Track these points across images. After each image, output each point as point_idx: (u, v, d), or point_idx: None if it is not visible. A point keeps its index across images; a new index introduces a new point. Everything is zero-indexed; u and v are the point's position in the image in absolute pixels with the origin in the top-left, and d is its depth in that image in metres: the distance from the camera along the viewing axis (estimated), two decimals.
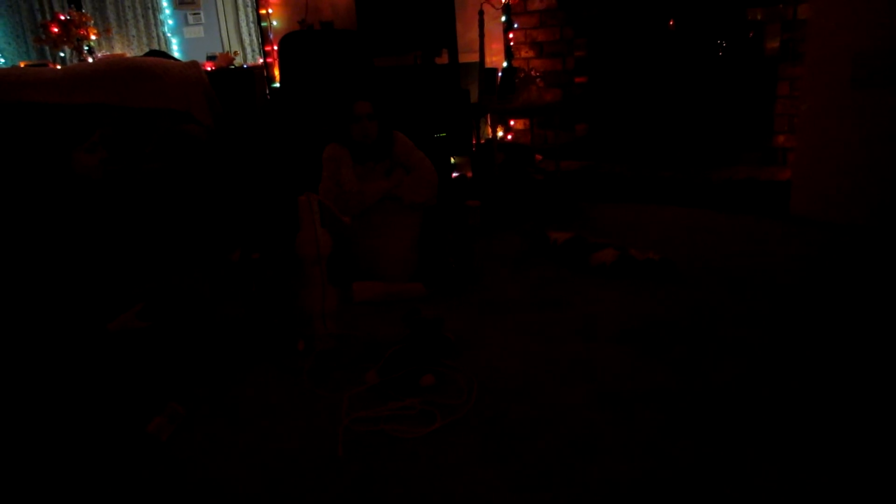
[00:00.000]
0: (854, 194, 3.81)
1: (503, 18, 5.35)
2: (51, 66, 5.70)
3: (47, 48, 6.55)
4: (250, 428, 2.06)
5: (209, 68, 5.10)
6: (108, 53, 6.80)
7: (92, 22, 6.50)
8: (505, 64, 5.40)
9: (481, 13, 4.87)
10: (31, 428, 1.96)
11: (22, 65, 5.92)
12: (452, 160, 4.85)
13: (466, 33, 5.10)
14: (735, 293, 2.93)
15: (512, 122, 5.52)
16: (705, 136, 5.00)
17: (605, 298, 2.95)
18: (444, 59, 4.99)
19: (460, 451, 1.89)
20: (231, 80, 4.91)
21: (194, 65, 4.67)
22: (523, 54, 5.53)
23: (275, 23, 5.49)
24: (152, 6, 7.24)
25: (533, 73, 5.48)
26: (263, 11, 5.47)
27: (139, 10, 7.22)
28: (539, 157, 5.01)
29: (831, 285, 2.98)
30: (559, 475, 1.76)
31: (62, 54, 6.39)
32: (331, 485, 1.77)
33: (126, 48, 7.18)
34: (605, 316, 2.75)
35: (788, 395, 2.09)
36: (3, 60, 7.24)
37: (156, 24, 7.30)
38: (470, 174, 4.83)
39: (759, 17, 4.63)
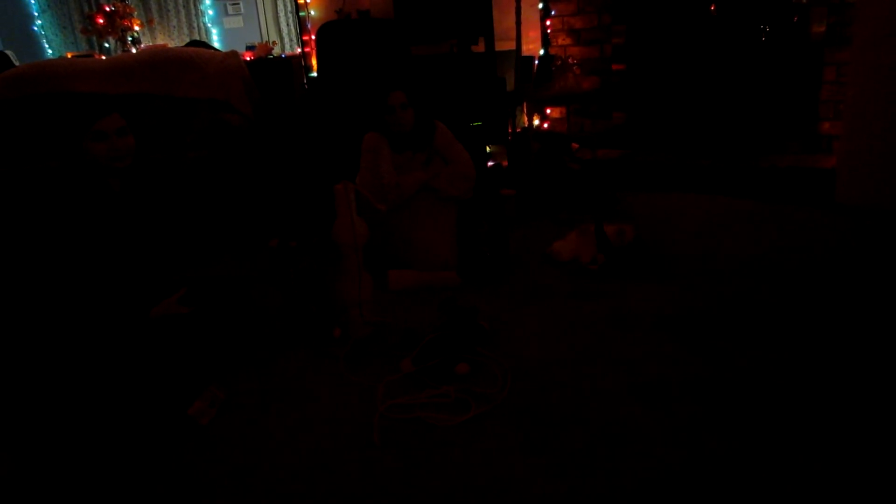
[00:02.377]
0: None
1: (540, 5, 5.29)
2: (97, 56, 5.85)
3: (93, 39, 6.72)
4: (288, 413, 2.10)
5: (248, 58, 5.17)
6: (150, 44, 6.95)
7: (136, 13, 6.66)
8: (542, 52, 5.35)
9: (518, 0, 4.83)
10: (75, 412, 2.03)
11: (69, 56, 6.08)
12: (488, 149, 4.83)
13: (503, 21, 5.05)
14: (775, 284, 2.87)
15: (548, 111, 5.47)
16: (747, 124, 4.88)
17: (642, 289, 2.91)
18: (480, 47, 4.97)
19: (495, 439, 1.90)
20: (269, 69, 4.97)
21: (234, 55, 4.74)
22: (560, 42, 5.47)
23: (312, 12, 5.52)
24: None
25: (570, 60, 5.41)
26: (301, 1, 5.52)
27: (180, 2, 7.35)
28: (576, 145, 4.96)
29: (875, 276, 2.90)
30: (594, 465, 1.76)
31: (107, 45, 6.55)
32: (369, 470, 1.80)
33: (168, 39, 7.33)
34: (641, 306, 2.73)
35: (828, 389, 2.04)
36: (51, 51, 7.45)
37: (196, 15, 7.42)
38: (505, 163, 4.80)
39: (803, 1, 4.49)
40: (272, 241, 3.28)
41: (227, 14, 7.47)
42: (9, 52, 6.42)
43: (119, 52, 6.41)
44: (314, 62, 5.19)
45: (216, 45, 7.07)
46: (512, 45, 4.98)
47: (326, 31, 4.64)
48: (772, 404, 1.98)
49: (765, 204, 4.18)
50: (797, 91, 4.68)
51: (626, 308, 2.72)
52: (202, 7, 7.37)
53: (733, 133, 4.91)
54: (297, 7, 5.58)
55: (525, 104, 5.09)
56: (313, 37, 5.16)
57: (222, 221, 3.70)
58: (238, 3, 7.42)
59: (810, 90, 4.63)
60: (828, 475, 1.66)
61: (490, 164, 4.79)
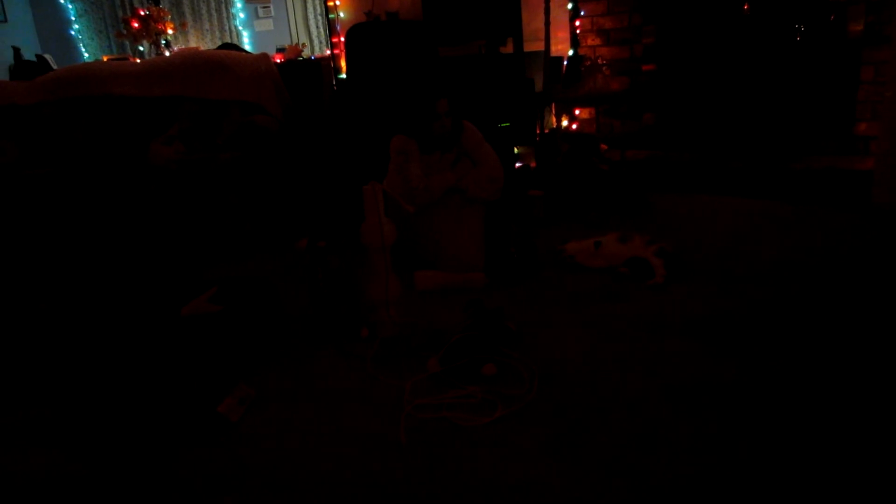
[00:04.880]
0: None
1: (569, 6, 5.27)
2: (131, 59, 5.97)
3: (127, 42, 6.86)
4: (317, 411, 2.13)
5: (279, 60, 5.24)
6: (183, 47, 7.08)
7: (169, 17, 6.78)
8: (571, 52, 5.32)
9: (547, 1, 4.81)
10: (109, 409, 2.08)
11: (105, 59, 6.22)
12: (516, 150, 4.82)
13: (532, 22, 5.04)
14: (806, 288, 2.82)
15: (577, 112, 5.44)
16: (781, 125, 4.79)
17: (671, 291, 2.88)
18: (508, 48, 4.96)
19: (522, 440, 1.90)
20: (299, 71, 5.03)
21: (265, 57, 4.80)
22: (590, 42, 5.43)
23: (342, 14, 5.58)
24: (225, 1, 7.47)
25: (599, 61, 5.37)
26: (331, 3, 5.57)
27: (213, 5, 7.47)
28: (604, 146, 4.92)
29: None
30: (619, 469, 1.74)
31: (141, 48, 6.68)
32: (396, 469, 1.81)
33: (200, 42, 7.46)
34: (669, 309, 2.70)
35: (861, 396, 2.00)
36: (87, 55, 7.63)
37: (228, 18, 7.53)
38: (534, 164, 4.79)
39: None
40: (301, 241, 3.32)
41: (257, 17, 7.57)
42: (47, 56, 6.60)
43: (153, 55, 6.54)
44: (343, 64, 5.23)
45: (247, 47, 7.17)
46: (541, 46, 4.98)
47: (355, 33, 4.68)
48: (803, 411, 1.94)
49: (798, 206, 4.10)
50: (833, 91, 4.58)
51: (656, 311, 2.69)
52: (233, 10, 7.48)
53: (766, 134, 4.82)
54: (327, 9, 5.64)
55: (553, 105, 5.07)
56: (342, 39, 5.21)
57: (253, 222, 3.75)
58: (269, 7, 7.52)
59: (847, 90, 4.53)
60: (860, 484, 1.63)
61: (518, 165, 4.78)
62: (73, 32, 7.54)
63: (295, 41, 7.11)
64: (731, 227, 3.74)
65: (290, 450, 1.93)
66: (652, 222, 3.86)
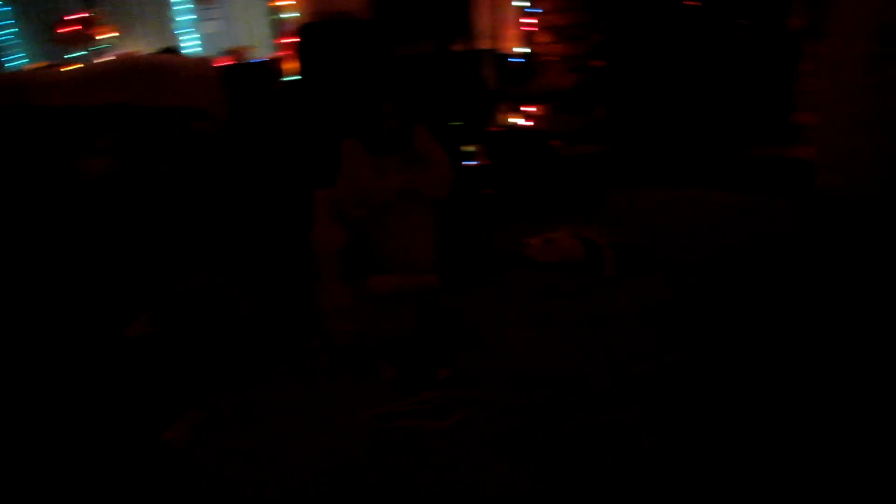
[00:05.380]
0: (879, 169, 3.71)
1: (519, 4, 5.27)
2: (66, 67, 5.74)
3: (63, 48, 6.59)
4: (269, 429, 2.05)
5: (224, 63, 5.10)
6: (121, 52, 6.84)
7: (106, 20, 6.54)
8: (522, 49, 5.33)
9: None
10: (46, 437, 1.97)
11: (37, 66, 5.97)
12: (468, 148, 4.80)
13: (482, 20, 5.03)
14: (754, 273, 2.87)
15: (529, 109, 5.45)
16: (726, 116, 4.89)
17: (624, 284, 2.90)
18: (459, 46, 4.94)
19: (482, 442, 1.87)
20: (246, 74, 4.91)
21: (206, 61, 4.67)
22: (540, 39, 5.45)
23: (290, 14, 5.47)
24: (166, 3, 7.25)
25: (550, 58, 5.40)
26: (273, 4, 5.46)
27: (152, 8, 7.24)
28: (556, 142, 4.95)
29: (850, 263, 2.90)
30: (579, 463, 1.73)
31: (77, 54, 6.43)
32: (352, 482, 1.75)
33: (140, 46, 7.21)
34: (624, 302, 2.71)
35: (813, 380, 2.03)
36: (20, 62, 7.30)
37: (169, 21, 7.31)
38: (486, 162, 4.77)
39: None
40: (247, 250, 3.23)
41: (204, 19, 7.37)
42: None
43: (90, 61, 6.30)
44: (292, 65, 5.13)
45: (193, 50, 6.97)
46: (491, 44, 4.97)
47: (307, 32, 4.58)
48: (757, 396, 1.96)
49: (745, 195, 4.18)
50: (775, 83, 4.70)
51: (610, 304, 2.71)
52: (174, 13, 7.26)
53: (712, 125, 4.91)
54: (274, 10, 5.52)
55: (505, 102, 5.07)
56: (290, 40, 5.10)
57: (197, 233, 3.63)
58: (215, 8, 7.33)
59: (788, 82, 4.65)
60: (813, 466, 1.65)
61: (470, 163, 4.75)
62: (2, 38, 7.21)
63: (242, 43, 6.95)
64: (681, 218, 3.80)
65: (242, 471, 1.85)
66: (604, 216, 3.89)
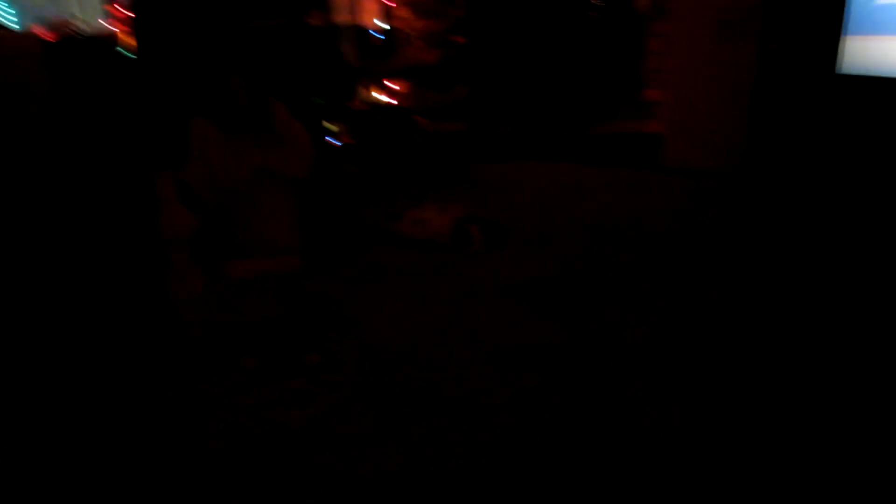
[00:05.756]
0: (719, 142, 4.00)
1: None
2: None
3: None
4: (118, 429, 1.87)
5: (50, 36, 4.59)
6: None
7: None
8: (382, 24, 5.23)
9: None
10: None
11: None
12: (330, 126, 4.65)
13: None
14: (612, 244, 3.00)
15: (392, 85, 5.37)
16: (581, 93, 5.08)
17: (490, 258, 2.93)
18: (317, 19, 4.74)
19: (350, 428, 1.80)
20: (74, 49, 4.44)
21: (29, 35, 4.18)
22: (402, 14, 5.37)
23: None
24: None
25: (411, 33, 5.34)
26: None
27: None
28: (420, 119, 4.91)
29: (698, 231, 3.11)
30: (449, 442, 1.71)
31: None
32: (208, 481, 1.63)
33: None
34: (490, 276, 2.73)
35: (664, 343, 2.14)
36: None
37: None
38: (349, 140, 4.66)
39: None
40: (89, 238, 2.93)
41: None
42: None
43: None
44: (129, 39, 4.71)
45: (10, 20, 6.24)
46: (350, 18, 4.82)
47: (144, 3, 4.20)
48: (621, 365, 2.04)
49: (601, 168, 4.37)
50: (626, 61, 4.93)
51: (477, 278, 2.72)
52: None
53: (569, 102, 5.09)
54: None
55: (367, 79, 4.95)
56: (126, 13, 4.68)
57: (25, 218, 3.24)
58: None
59: (637, 60, 4.89)
60: (672, 430, 1.73)
61: (333, 140, 4.62)
62: None
63: (70, 16, 6.31)
64: (543, 192, 3.89)
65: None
66: (469, 192, 3.91)
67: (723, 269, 2.68)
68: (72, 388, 2.09)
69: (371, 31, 5.04)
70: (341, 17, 4.86)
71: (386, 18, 5.25)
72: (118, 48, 4.80)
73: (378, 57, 4.85)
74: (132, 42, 4.71)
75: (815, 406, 1.77)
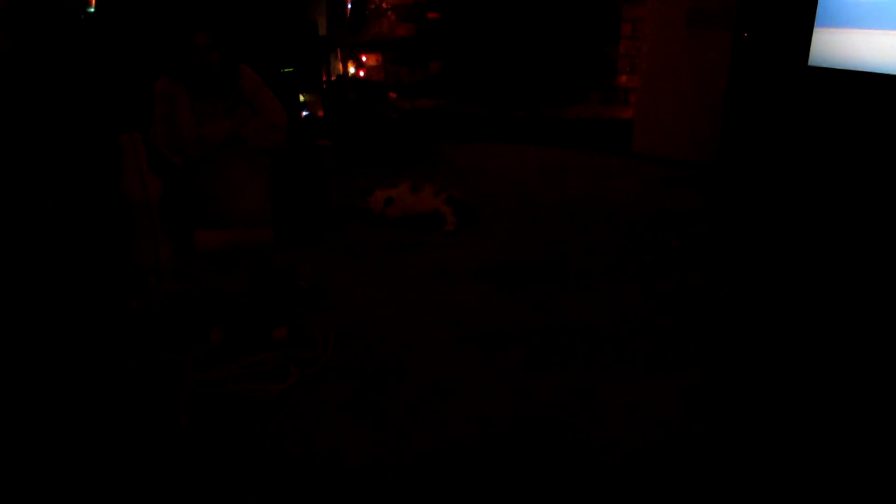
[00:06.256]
0: (688, 130, 4.04)
1: None
2: None
3: None
4: (79, 403, 1.81)
5: None
6: None
7: None
8: None
9: None
10: None
11: None
12: (302, 98, 4.55)
13: None
14: (584, 228, 3.02)
15: (364, 58, 5.28)
16: (554, 76, 5.07)
17: (462, 238, 2.92)
18: None
19: (319, 405, 1.78)
20: (37, 2, 4.22)
21: None
22: None
23: None
24: None
25: (384, 5, 5.24)
26: None
27: None
28: (393, 94, 4.85)
29: (668, 217, 3.15)
30: (421, 421, 1.70)
31: None
32: (172, 455, 1.59)
33: None
34: (463, 257, 2.73)
35: (635, 322, 2.18)
36: None
37: None
38: (321, 113, 4.57)
39: None
40: (47, 202, 2.82)
41: None
42: None
43: None
44: None
45: None
46: None
47: None
48: (588, 342, 2.06)
49: (573, 152, 4.39)
50: (597, 45, 4.93)
51: (449, 259, 2.71)
52: None
53: (541, 85, 5.08)
54: None
55: (339, 50, 4.86)
56: None
57: None
58: None
59: (609, 45, 4.90)
60: (641, 406, 1.76)
61: (304, 113, 4.52)
62: None
63: None
64: (516, 173, 3.90)
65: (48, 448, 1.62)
66: (442, 170, 3.89)
67: (693, 255, 2.72)
68: (28, 359, 2.02)
69: (343, 1, 4.92)
70: None
71: None
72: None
73: (351, 28, 4.74)
74: None
75: (786, 390, 1.82)
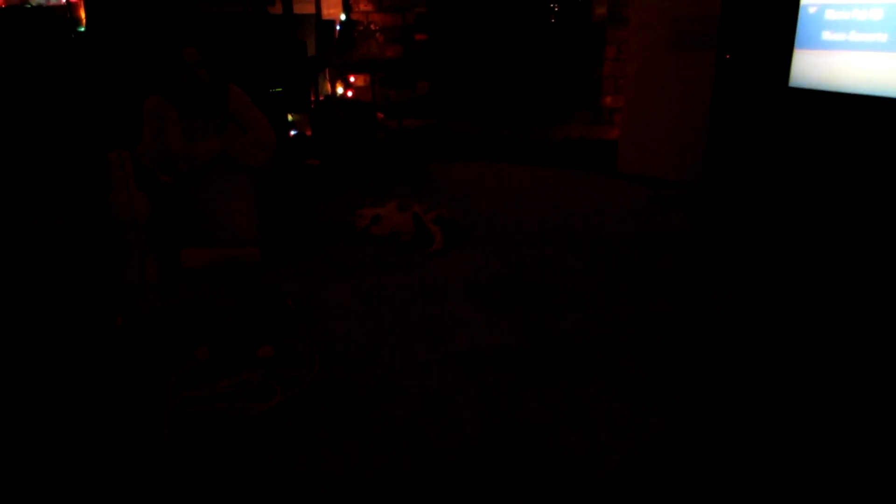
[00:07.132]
0: (673, 151, 4.09)
1: None
2: None
3: None
4: (65, 418, 1.79)
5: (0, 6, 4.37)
6: None
7: None
8: (343, 16, 5.17)
9: None
10: None
11: None
12: (290, 117, 4.58)
13: None
14: (572, 247, 3.04)
15: (352, 79, 5.32)
16: (541, 97, 5.13)
17: (450, 257, 2.93)
18: (277, 8, 4.65)
19: (305, 425, 1.77)
20: (27, 21, 4.24)
21: None
22: (362, 7, 5.32)
23: None
24: None
25: (372, 27, 5.29)
26: None
27: None
28: (381, 115, 4.88)
29: (656, 238, 3.18)
30: (408, 442, 1.70)
31: None
32: (154, 474, 1.58)
33: None
34: (450, 277, 2.73)
35: (624, 341, 2.19)
36: None
37: None
38: (309, 132, 4.59)
39: None
40: (34, 218, 2.82)
41: None
42: None
43: None
44: (83, 14, 4.52)
45: None
46: (311, 9, 4.75)
47: None
48: (577, 363, 2.06)
49: (560, 171, 4.43)
50: (583, 67, 5.00)
51: (437, 278, 2.71)
52: None
53: (529, 105, 5.13)
54: None
55: (328, 70, 4.89)
56: None
57: None
58: None
59: (594, 66, 4.97)
60: (632, 427, 1.76)
61: (293, 132, 4.55)
62: None
63: None
64: (503, 193, 3.92)
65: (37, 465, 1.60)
66: (430, 190, 3.91)
67: (682, 274, 2.74)
68: (11, 375, 2.00)
69: (333, 23, 4.97)
70: (301, 7, 4.77)
71: (347, 11, 5.19)
72: (69, 18, 4.60)
73: (339, 49, 4.78)
74: (81, 13, 4.52)
75: (778, 411, 1.83)
